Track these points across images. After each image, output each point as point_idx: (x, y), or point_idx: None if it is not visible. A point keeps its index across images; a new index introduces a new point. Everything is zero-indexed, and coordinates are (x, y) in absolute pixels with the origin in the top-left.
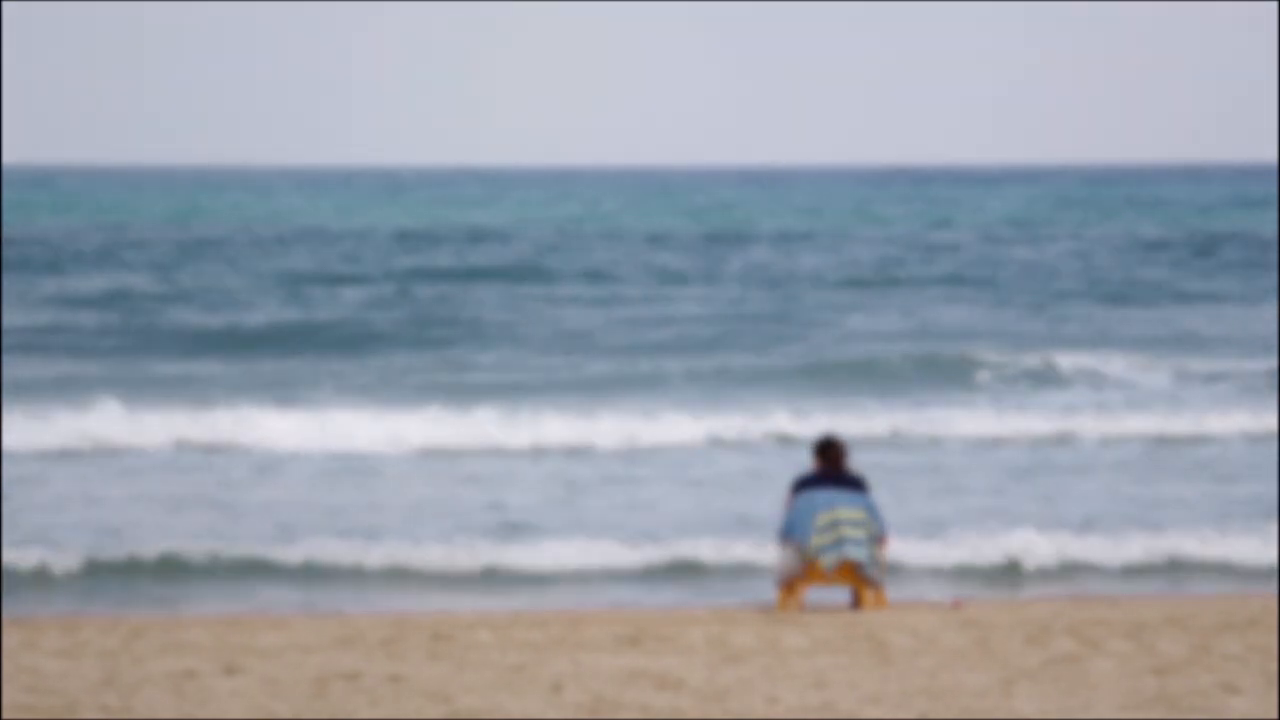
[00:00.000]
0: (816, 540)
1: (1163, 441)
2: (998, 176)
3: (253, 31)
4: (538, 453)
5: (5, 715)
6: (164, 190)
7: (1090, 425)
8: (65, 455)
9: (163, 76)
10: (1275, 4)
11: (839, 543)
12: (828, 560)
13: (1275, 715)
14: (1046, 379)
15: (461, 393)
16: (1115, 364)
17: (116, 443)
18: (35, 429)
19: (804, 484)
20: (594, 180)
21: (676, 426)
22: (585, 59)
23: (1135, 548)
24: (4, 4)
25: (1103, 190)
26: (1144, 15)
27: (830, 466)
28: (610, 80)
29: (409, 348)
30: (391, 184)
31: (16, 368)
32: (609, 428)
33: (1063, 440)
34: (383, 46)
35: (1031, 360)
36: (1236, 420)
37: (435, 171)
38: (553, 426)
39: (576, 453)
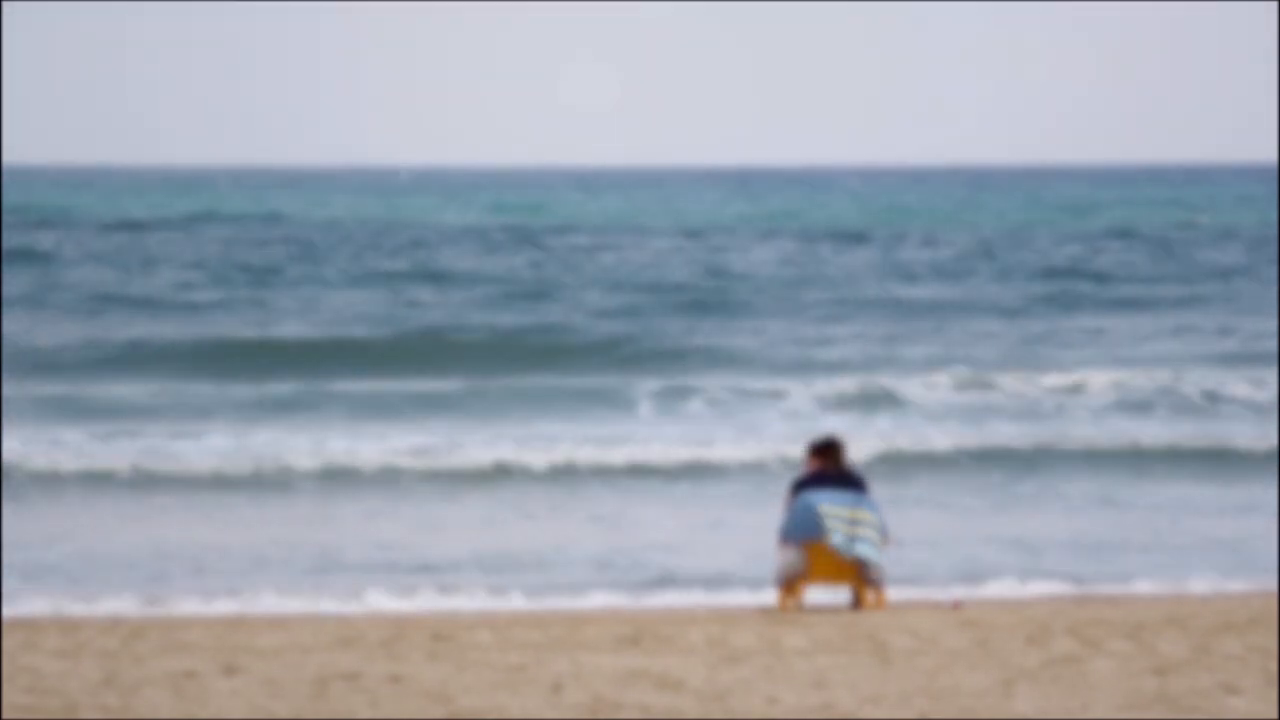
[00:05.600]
0: (825, 526)
1: None
2: (1000, 176)
3: (248, 31)
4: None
5: (5, 715)
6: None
7: None
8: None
9: (161, 77)
10: (1275, 3)
11: (845, 537)
12: (840, 543)
13: (1275, 715)
14: None
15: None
16: None
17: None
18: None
19: (804, 484)
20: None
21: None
22: (585, 59)
23: None
24: (3, 4)
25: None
26: (1146, 15)
27: (830, 466)
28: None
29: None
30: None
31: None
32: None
33: None
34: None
35: None
36: None
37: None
38: None
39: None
